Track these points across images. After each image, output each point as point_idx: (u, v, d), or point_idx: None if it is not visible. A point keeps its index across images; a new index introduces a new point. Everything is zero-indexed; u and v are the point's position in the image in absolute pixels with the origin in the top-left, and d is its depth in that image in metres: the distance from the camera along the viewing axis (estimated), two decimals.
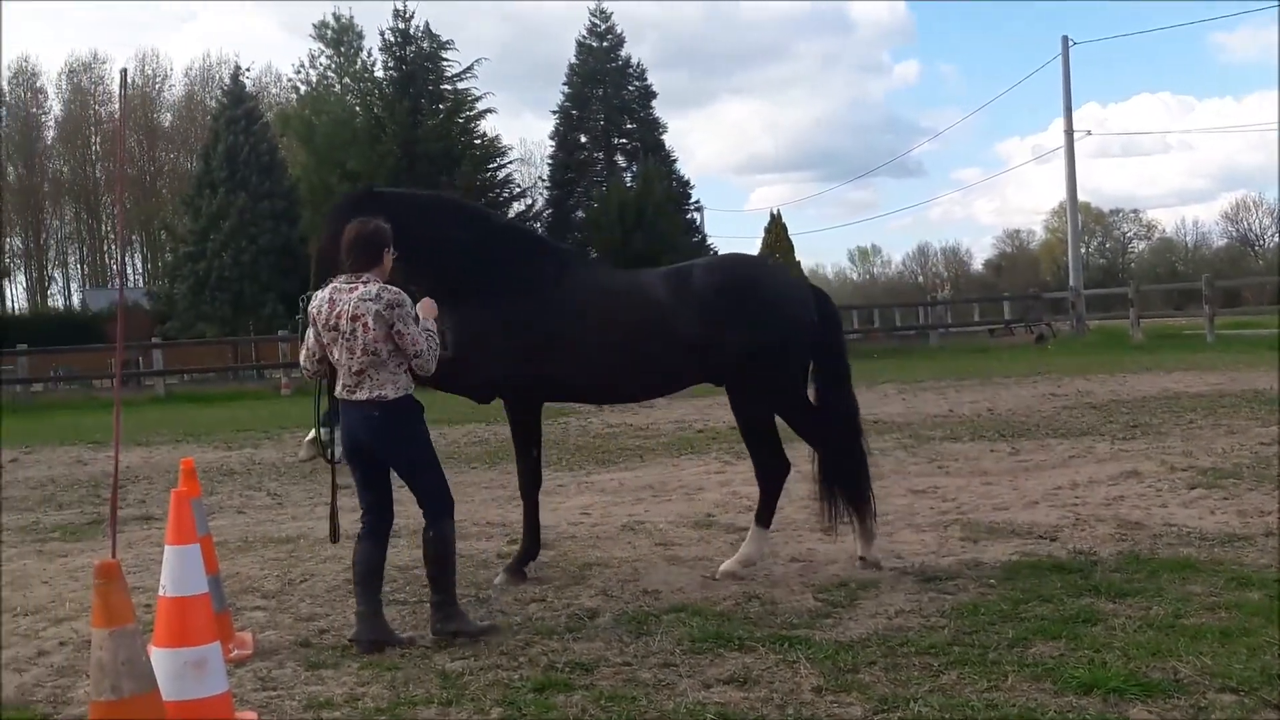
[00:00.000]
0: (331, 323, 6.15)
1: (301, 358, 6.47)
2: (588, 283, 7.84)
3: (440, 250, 7.39)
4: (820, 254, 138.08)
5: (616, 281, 8.22)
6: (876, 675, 5.43)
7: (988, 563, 7.59)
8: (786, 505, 9.94)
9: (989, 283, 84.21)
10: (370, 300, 6.11)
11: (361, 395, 6.19)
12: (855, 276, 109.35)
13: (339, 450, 6.54)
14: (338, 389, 6.28)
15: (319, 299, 6.24)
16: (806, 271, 53.14)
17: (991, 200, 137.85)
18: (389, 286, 6.21)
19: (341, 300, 6.15)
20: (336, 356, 6.19)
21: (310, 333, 6.32)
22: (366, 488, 6.42)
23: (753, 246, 52.87)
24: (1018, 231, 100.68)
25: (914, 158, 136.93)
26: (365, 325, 6.09)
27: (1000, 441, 13.56)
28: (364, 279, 6.19)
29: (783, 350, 7.65)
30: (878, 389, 22.69)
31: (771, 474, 7.87)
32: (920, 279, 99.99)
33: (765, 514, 7.81)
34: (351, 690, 5.56)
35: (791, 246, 49.89)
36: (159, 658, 4.78)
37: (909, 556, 7.87)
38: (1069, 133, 43.13)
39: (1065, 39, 42.94)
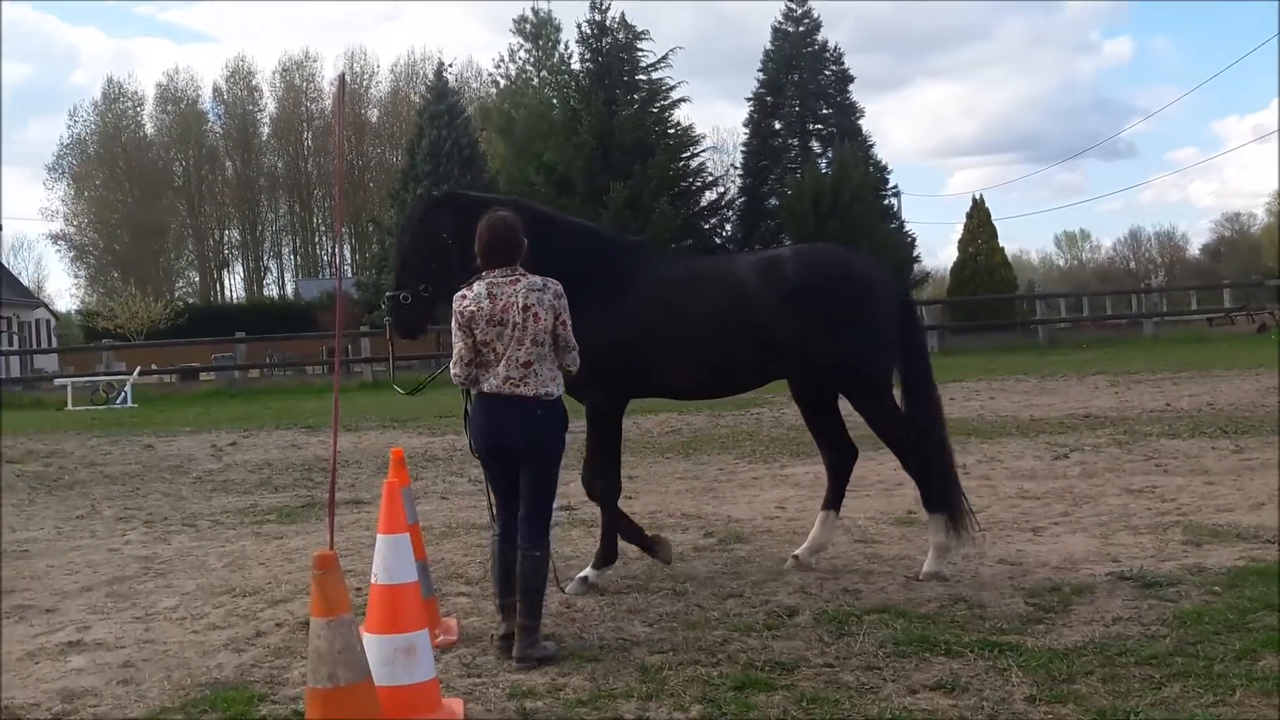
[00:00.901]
0: (498, 316, 5.98)
1: (455, 366, 6.16)
2: (664, 272, 7.68)
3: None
4: (1025, 239, 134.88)
5: (700, 270, 8.07)
6: (1094, 686, 5.19)
7: (1211, 568, 7.20)
8: (994, 504, 9.71)
9: (1207, 269, 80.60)
10: (539, 290, 6.02)
11: (527, 390, 6.00)
12: (1062, 262, 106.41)
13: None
14: (495, 384, 6.04)
15: (474, 295, 6.04)
16: (1010, 258, 51.61)
17: (1209, 182, 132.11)
18: (549, 279, 6.14)
19: (504, 293, 6.01)
20: (500, 350, 6.01)
21: (459, 336, 6.10)
22: (503, 483, 6.25)
23: (953, 232, 51.73)
24: (1238, 215, 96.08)
25: (1125, 139, 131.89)
26: (536, 315, 5.98)
27: (1222, 438, 12.90)
28: (520, 271, 6.11)
29: (877, 343, 7.59)
30: (1088, 380, 21.99)
31: (911, 457, 7.64)
32: (1132, 265, 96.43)
33: (929, 499, 7.51)
34: (553, 680, 5.60)
35: (995, 231, 48.66)
36: (370, 644, 4.89)
37: (1126, 560, 7.52)
38: None
39: None
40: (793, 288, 7.37)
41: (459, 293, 6.12)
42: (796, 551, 7.84)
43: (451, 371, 6.20)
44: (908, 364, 7.76)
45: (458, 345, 6.08)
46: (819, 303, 7.35)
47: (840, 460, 8.04)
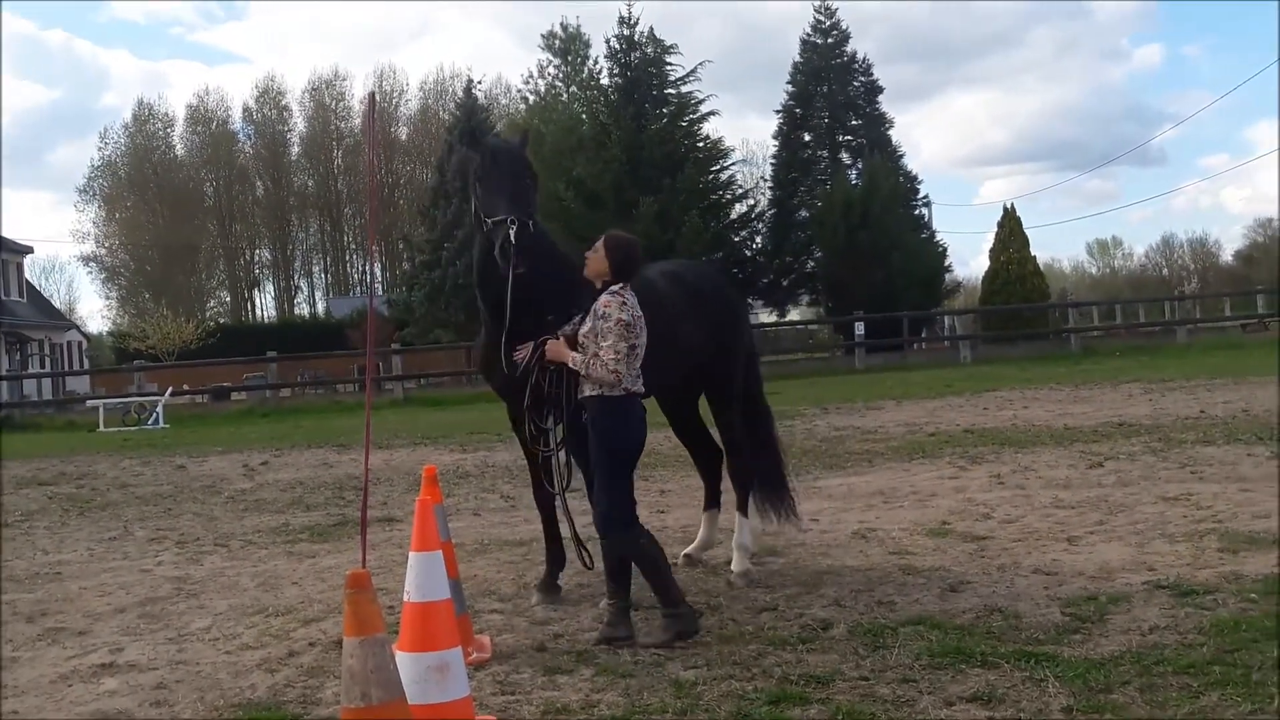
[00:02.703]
0: (645, 325, 6.59)
1: (619, 365, 6.41)
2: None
3: None
4: (1056, 247, 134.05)
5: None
6: (1131, 695, 5.14)
7: (1248, 576, 7.12)
8: (1029, 513, 9.64)
9: (1240, 275, 79.80)
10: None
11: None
12: (1095, 270, 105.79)
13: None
14: (641, 386, 6.57)
15: (633, 303, 6.55)
16: (1042, 266, 51.23)
17: (1241, 188, 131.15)
18: None
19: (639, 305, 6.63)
20: (640, 355, 6.56)
21: (623, 337, 6.43)
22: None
23: (984, 241, 51.48)
24: (1271, 220, 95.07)
25: (1156, 145, 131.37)
26: None
27: (1258, 444, 12.76)
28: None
29: (750, 351, 8.43)
30: (1122, 388, 21.86)
31: (742, 458, 8.26)
32: (1165, 272, 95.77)
33: (745, 502, 8.16)
34: (587, 696, 5.58)
35: (1026, 240, 48.37)
36: (403, 662, 4.87)
37: (1162, 569, 7.45)
38: None
39: None
40: (694, 297, 7.91)
41: (620, 299, 6.52)
42: (688, 550, 8.53)
43: (612, 369, 6.42)
44: (748, 373, 8.43)
45: (621, 346, 6.44)
46: (714, 311, 7.99)
47: (714, 460, 8.67)
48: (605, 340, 6.42)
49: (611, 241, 6.68)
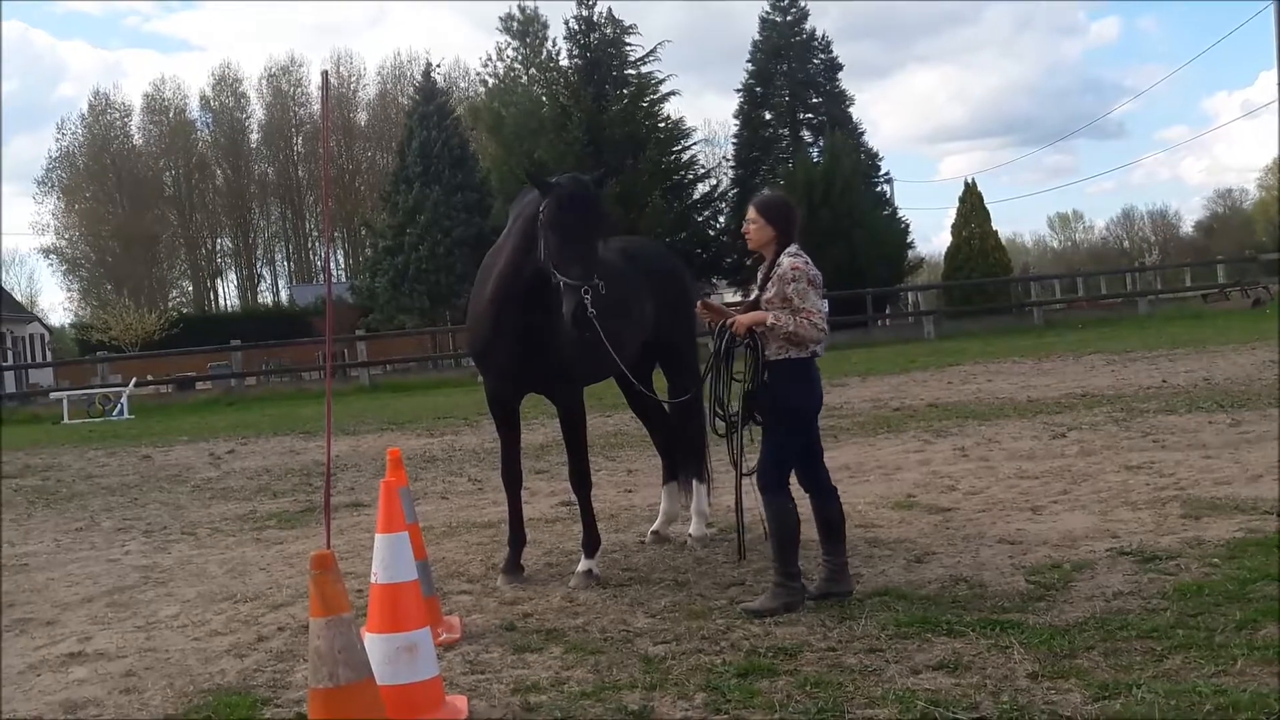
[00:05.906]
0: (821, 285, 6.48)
1: (823, 324, 6.36)
2: None
3: None
4: (1017, 222, 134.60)
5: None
6: (1095, 660, 5.20)
7: (1210, 541, 7.20)
8: (993, 485, 9.71)
9: (1200, 246, 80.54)
10: None
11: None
12: (1056, 244, 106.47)
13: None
14: (821, 349, 6.47)
15: (808, 261, 6.41)
16: (1004, 240, 51.58)
17: (1200, 159, 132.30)
18: None
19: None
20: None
21: (816, 295, 6.37)
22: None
23: (946, 217, 51.66)
24: (1229, 191, 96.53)
25: (1114, 119, 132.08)
26: None
27: (1219, 413, 12.90)
28: None
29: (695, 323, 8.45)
30: (1084, 360, 22.02)
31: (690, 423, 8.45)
32: (1126, 244, 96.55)
33: (700, 468, 8.47)
34: (557, 674, 5.59)
35: (988, 215, 48.62)
36: (372, 643, 4.88)
37: (1125, 536, 7.53)
38: None
39: None
40: (647, 274, 8.13)
41: (804, 258, 6.43)
42: (654, 527, 8.58)
43: (821, 326, 6.36)
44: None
45: (821, 303, 6.40)
46: (668, 289, 8.25)
47: (669, 436, 8.74)
48: (806, 300, 6.30)
49: (765, 206, 6.60)
